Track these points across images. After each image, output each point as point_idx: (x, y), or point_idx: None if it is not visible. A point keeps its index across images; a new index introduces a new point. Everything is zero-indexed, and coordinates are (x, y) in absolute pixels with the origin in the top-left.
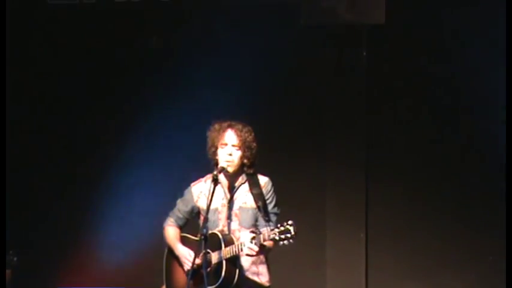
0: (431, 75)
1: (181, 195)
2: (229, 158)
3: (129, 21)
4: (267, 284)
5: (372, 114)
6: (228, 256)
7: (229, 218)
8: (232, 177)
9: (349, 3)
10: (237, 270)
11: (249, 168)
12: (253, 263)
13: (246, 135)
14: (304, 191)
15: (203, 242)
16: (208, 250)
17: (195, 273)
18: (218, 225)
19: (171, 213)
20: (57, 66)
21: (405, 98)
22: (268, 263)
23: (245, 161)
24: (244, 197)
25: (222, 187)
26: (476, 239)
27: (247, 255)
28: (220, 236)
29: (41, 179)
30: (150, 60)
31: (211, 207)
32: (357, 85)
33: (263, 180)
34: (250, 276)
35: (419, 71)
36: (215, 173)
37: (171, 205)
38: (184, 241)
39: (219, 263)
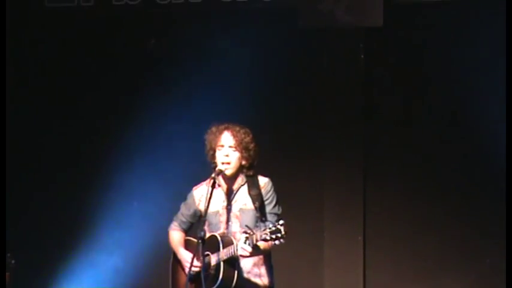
0: (429, 77)
1: (184, 199)
2: (226, 159)
3: (127, 24)
4: (270, 286)
5: (370, 116)
6: (225, 258)
7: (230, 220)
8: (231, 180)
9: (346, 5)
10: (236, 272)
11: (248, 169)
12: (255, 264)
13: (243, 136)
14: (302, 192)
15: (200, 245)
16: (208, 252)
17: (196, 276)
18: (220, 228)
19: (175, 217)
20: (55, 69)
21: (403, 100)
22: (270, 265)
23: (243, 162)
24: (244, 198)
25: (222, 190)
26: (475, 241)
27: (241, 256)
28: (218, 238)
29: (38, 179)
30: (148, 63)
31: (212, 210)
32: (354, 87)
33: (263, 181)
34: (252, 278)
35: (417, 73)
36: (213, 175)
37: (170, 208)
38: (188, 244)
39: (218, 265)
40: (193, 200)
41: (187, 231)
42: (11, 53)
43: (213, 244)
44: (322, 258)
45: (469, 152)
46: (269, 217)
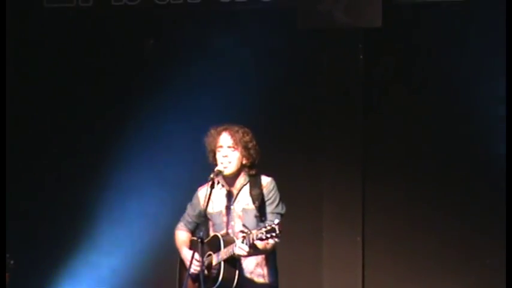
0: (428, 77)
1: (190, 199)
2: (225, 160)
3: (126, 25)
4: (274, 286)
5: (369, 116)
6: (226, 257)
7: (233, 220)
8: (233, 180)
9: (345, 6)
10: (237, 272)
11: (250, 168)
12: (258, 265)
13: (241, 135)
14: (301, 192)
15: (200, 245)
16: (210, 252)
17: (199, 276)
18: (223, 228)
19: (182, 218)
20: (53, 69)
21: (402, 100)
22: (275, 266)
23: (244, 161)
24: (246, 198)
25: (226, 190)
26: (474, 241)
27: (239, 255)
28: (220, 238)
29: (36, 179)
30: (147, 63)
31: (216, 210)
32: (353, 88)
33: (265, 180)
34: (256, 278)
35: (416, 73)
36: (211, 176)
37: (169, 208)
38: (193, 244)
39: (219, 265)
40: (198, 200)
41: (193, 231)
42: (10, 53)
43: (215, 244)
44: (321, 258)
45: (468, 152)
46: (272, 217)
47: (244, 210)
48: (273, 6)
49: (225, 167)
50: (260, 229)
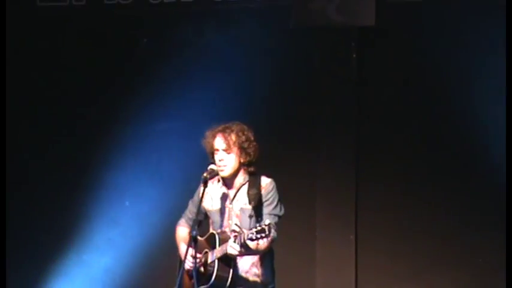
0: (422, 76)
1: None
2: (221, 164)
3: (119, 24)
4: (270, 286)
5: (363, 115)
6: (220, 255)
7: (231, 219)
8: (232, 180)
9: (338, 5)
10: (231, 270)
11: (249, 166)
12: (254, 264)
13: (236, 136)
14: (294, 191)
15: (193, 244)
16: (206, 250)
17: (196, 272)
18: (222, 226)
19: (183, 214)
20: (46, 68)
21: (396, 99)
22: (271, 266)
23: (242, 160)
24: (245, 198)
25: (225, 188)
26: (468, 240)
27: (230, 254)
28: (216, 236)
29: (29, 179)
30: (140, 62)
31: (215, 208)
32: (346, 87)
33: (265, 181)
34: (251, 278)
35: (409, 72)
36: (205, 174)
37: (162, 207)
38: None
39: (213, 263)
40: (199, 197)
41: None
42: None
43: (211, 241)
44: (314, 256)
45: (462, 151)
46: (268, 218)
47: (241, 209)
48: (266, 4)
49: (221, 170)
50: (251, 229)
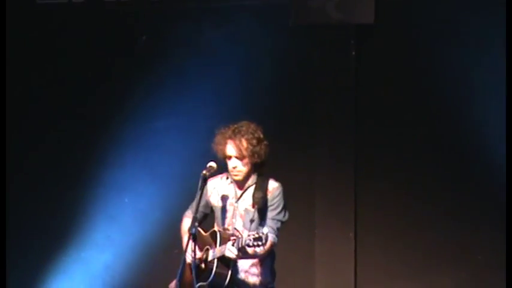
0: (421, 74)
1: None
2: (235, 171)
3: (119, 21)
4: (269, 286)
5: (361, 113)
6: (218, 255)
7: (234, 217)
8: (244, 180)
9: (337, 2)
10: (230, 271)
11: (260, 166)
12: (254, 264)
13: (246, 145)
14: (294, 188)
15: (192, 240)
16: (208, 247)
17: (195, 269)
18: (225, 223)
19: (190, 206)
20: (45, 66)
21: (395, 97)
22: (271, 267)
23: (254, 161)
24: (250, 199)
25: (234, 186)
26: (467, 238)
27: (229, 257)
28: (218, 234)
29: (28, 176)
30: (139, 60)
31: (220, 204)
32: (346, 84)
33: (272, 185)
34: (250, 277)
35: (408, 70)
36: (204, 172)
37: (161, 204)
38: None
39: (213, 261)
40: (206, 190)
41: (200, 220)
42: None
43: (213, 238)
44: (314, 254)
45: (461, 149)
46: (272, 223)
47: (246, 210)
48: (265, 2)
49: (235, 175)
50: (249, 235)
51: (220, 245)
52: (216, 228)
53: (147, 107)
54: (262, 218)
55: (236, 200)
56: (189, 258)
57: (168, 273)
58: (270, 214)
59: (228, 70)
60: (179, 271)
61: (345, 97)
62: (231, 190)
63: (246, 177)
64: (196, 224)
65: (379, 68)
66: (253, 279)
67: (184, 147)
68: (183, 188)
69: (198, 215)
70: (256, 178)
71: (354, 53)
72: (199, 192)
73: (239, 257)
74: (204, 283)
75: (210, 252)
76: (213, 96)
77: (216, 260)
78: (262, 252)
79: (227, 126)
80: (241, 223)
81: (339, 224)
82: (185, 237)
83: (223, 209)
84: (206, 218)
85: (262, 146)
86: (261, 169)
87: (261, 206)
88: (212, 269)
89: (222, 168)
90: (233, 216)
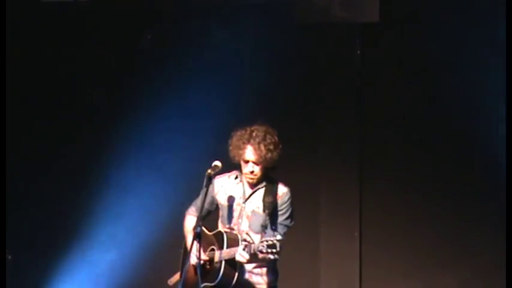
0: (426, 74)
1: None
2: (251, 175)
3: (123, 19)
4: (273, 286)
5: (366, 112)
6: (227, 258)
7: (241, 218)
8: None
9: (342, 1)
10: (236, 273)
11: (272, 169)
12: (258, 265)
13: (265, 149)
14: (299, 187)
15: (196, 240)
16: (213, 247)
17: (200, 269)
18: (231, 223)
19: (194, 202)
20: (50, 64)
21: (399, 96)
22: (274, 265)
23: (269, 166)
24: (258, 202)
25: (243, 186)
26: (471, 237)
27: (239, 261)
28: (224, 235)
29: (33, 176)
30: (145, 58)
31: (228, 203)
32: (350, 83)
33: (282, 190)
34: (254, 277)
35: (413, 69)
36: (209, 171)
37: (167, 203)
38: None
39: (220, 263)
40: (213, 188)
41: (203, 217)
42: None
43: (218, 239)
44: (319, 253)
45: (466, 149)
46: (279, 228)
47: (253, 212)
48: (270, 1)
49: (251, 179)
50: (262, 242)
51: (227, 247)
52: (221, 228)
53: (153, 107)
54: (272, 222)
55: (244, 200)
56: (193, 259)
57: (173, 272)
58: (278, 219)
59: (233, 69)
60: (182, 270)
61: (350, 95)
62: (239, 190)
63: (260, 180)
64: (201, 223)
65: (384, 66)
66: (257, 279)
67: (190, 146)
68: (188, 188)
69: (203, 213)
70: (266, 181)
71: (359, 51)
72: (204, 191)
73: (250, 261)
74: (210, 284)
75: (217, 254)
76: (218, 95)
77: (223, 262)
78: (271, 258)
79: (243, 128)
80: (247, 224)
81: (344, 222)
82: (189, 236)
83: (230, 209)
84: (210, 214)
85: (278, 151)
86: (270, 172)
87: (271, 211)
88: (219, 270)
89: (227, 168)
90: (239, 216)
